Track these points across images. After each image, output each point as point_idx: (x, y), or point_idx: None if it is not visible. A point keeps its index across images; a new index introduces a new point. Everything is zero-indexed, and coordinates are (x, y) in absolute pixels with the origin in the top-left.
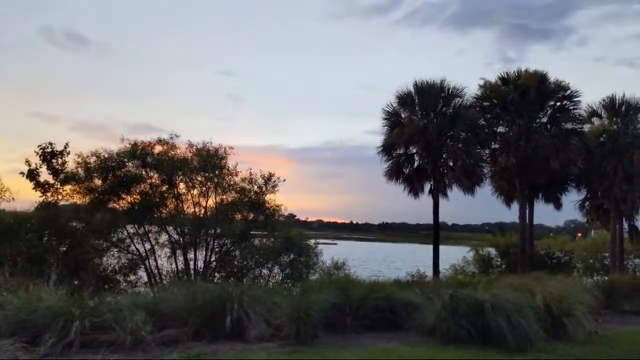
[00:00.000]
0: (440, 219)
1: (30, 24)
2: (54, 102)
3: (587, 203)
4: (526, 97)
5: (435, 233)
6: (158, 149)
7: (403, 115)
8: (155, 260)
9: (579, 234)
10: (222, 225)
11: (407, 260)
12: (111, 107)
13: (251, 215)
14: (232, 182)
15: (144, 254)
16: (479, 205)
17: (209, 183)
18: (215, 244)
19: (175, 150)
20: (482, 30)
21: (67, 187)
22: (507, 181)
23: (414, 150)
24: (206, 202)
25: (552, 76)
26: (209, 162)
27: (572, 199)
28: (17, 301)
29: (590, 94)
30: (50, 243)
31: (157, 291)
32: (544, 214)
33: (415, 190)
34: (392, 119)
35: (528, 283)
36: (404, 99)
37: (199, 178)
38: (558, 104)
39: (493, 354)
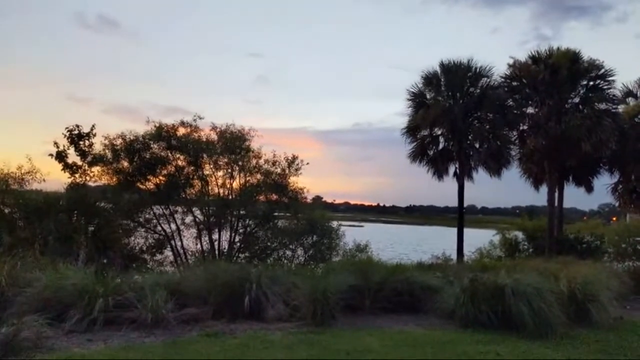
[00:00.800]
0: (469, 202)
1: (63, 9)
2: (86, 85)
3: (620, 186)
4: (557, 77)
5: (459, 216)
6: (182, 131)
7: (428, 96)
8: (181, 240)
9: (614, 218)
10: (246, 207)
11: (434, 243)
12: (142, 89)
13: (274, 197)
14: (255, 164)
15: (170, 234)
16: (510, 188)
17: (234, 165)
18: (240, 225)
19: (199, 133)
20: (517, 7)
21: (95, 169)
22: (535, 164)
23: (439, 132)
24: (231, 184)
25: (588, 54)
26: (232, 144)
27: (604, 182)
28: (45, 279)
29: (630, 73)
30: (79, 223)
31: (182, 271)
32: (577, 198)
33: (439, 172)
34: (416, 99)
35: (553, 267)
36: (430, 79)
37: (224, 160)
38: (591, 83)
39: (512, 339)
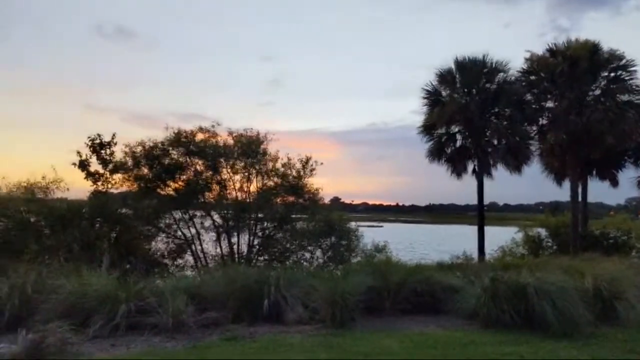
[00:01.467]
0: (491, 199)
1: (83, 21)
2: (106, 94)
3: None
4: (577, 69)
5: (480, 214)
6: (200, 136)
7: (443, 94)
8: (201, 244)
9: None
10: (263, 210)
11: (455, 243)
12: (159, 97)
13: (291, 199)
14: (272, 167)
15: (190, 239)
16: (532, 184)
17: (250, 168)
18: (258, 227)
19: (216, 138)
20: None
21: (116, 176)
22: (557, 158)
23: (456, 130)
24: (248, 187)
25: (608, 45)
26: (249, 149)
27: (630, 175)
28: (69, 285)
29: None
30: (101, 230)
31: (202, 275)
32: (603, 192)
33: (457, 170)
34: (432, 97)
35: (578, 265)
36: (444, 77)
37: (241, 164)
38: (612, 74)
39: (536, 339)
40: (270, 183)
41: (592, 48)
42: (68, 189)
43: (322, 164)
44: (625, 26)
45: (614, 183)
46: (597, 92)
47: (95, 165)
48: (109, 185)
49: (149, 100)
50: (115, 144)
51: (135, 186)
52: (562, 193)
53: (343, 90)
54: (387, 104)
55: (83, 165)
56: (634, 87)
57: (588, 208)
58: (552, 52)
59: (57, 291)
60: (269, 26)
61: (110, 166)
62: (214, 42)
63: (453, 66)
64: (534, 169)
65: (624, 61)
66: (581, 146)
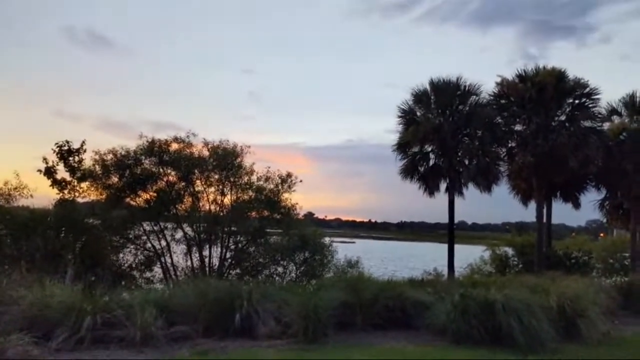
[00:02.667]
0: (460, 218)
1: (52, 23)
2: (77, 101)
3: (607, 202)
4: (544, 95)
5: (450, 232)
6: (174, 146)
7: (418, 113)
8: (171, 257)
9: (602, 234)
10: (237, 223)
11: (425, 260)
12: (133, 105)
13: (266, 213)
14: (248, 181)
15: (159, 251)
16: (499, 205)
17: (225, 181)
18: (231, 241)
19: (191, 148)
20: (504, 27)
21: (84, 184)
22: (524, 180)
23: (429, 149)
24: (222, 200)
25: (574, 73)
26: (224, 161)
27: (591, 198)
28: (31, 296)
29: (614, 91)
30: (67, 239)
31: (172, 288)
32: (565, 214)
33: (430, 188)
34: (407, 116)
35: (543, 283)
36: (420, 97)
37: (215, 176)
38: (577, 101)
39: (504, 354)
40: (245, 196)
41: (559, 75)
42: (32, 196)
43: (301, 181)
44: (590, 56)
45: (577, 205)
46: (562, 117)
47: (62, 173)
48: (76, 194)
49: (122, 108)
50: (85, 151)
51: (104, 195)
52: (527, 214)
53: (320, 107)
54: (363, 121)
55: (49, 172)
56: (596, 114)
57: (552, 229)
58: (522, 77)
59: (19, 302)
60: (249, 40)
61: (79, 174)
62: (193, 53)
63: (428, 87)
64: (501, 189)
65: (588, 89)
66: (546, 169)
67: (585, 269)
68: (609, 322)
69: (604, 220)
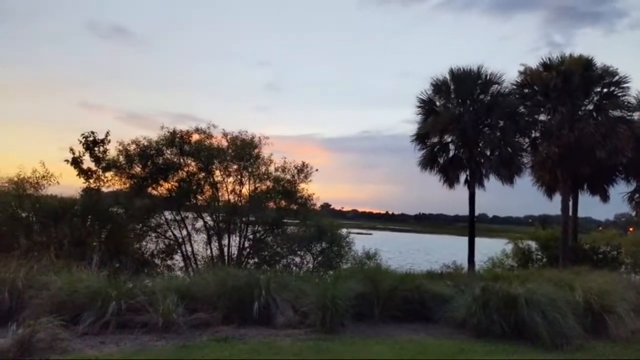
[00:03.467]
0: (481, 211)
1: (77, 17)
2: (99, 92)
3: (637, 195)
4: (570, 83)
5: (470, 224)
6: (195, 137)
7: (438, 103)
8: (191, 245)
9: (631, 229)
10: (255, 213)
11: (444, 252)
12: (153, 97)
13: (284, 204)
14: (265, 171)
15: (180, 240)
16: (522, 197)
17: (244, 171)
18: (249, 230)
19: (211, 139)
20: (527, 14)
21: (109, 174)
22: (548, 172)
23: (449, 139)
24: (240, 190)
25: (601, 61)
26: (243, 151)
27: (620, 190)
28: (59, 281)
29: None
30: (92, 227)
31: (192, 276)
32: (592, 207)
33: (450, 180)
34: (426, 107)
35: (568, 277)
36: (439, 87)
37: (234, 166)
38: (605, 90)
39: (526, 350)
40: (263, 187)
41: (586, 63)
42: (58, 183)
43: (317, 170)
44: (619, 43)
45: (605, 198)
46: (590, 107)
47: (87, 163)
48: (101, 183)
49: (142, 100)
50: (109, 141)
51: (127, 185)
52: (551, 207)
53: (336, 98)
54: (380, 112)
55: (76, 162)
56: (626, 103)
57: (577, 222)
58: (546, 66)
59: (48, 287)
60: (267, 32)
61: (103, 164)
62: (211, 45)
63: (448, 76)
64: (524, 181)
65: (616, 77)
66: (572, 160)
67: (613, 264)
68: (638, 319)
69: (634, 214)
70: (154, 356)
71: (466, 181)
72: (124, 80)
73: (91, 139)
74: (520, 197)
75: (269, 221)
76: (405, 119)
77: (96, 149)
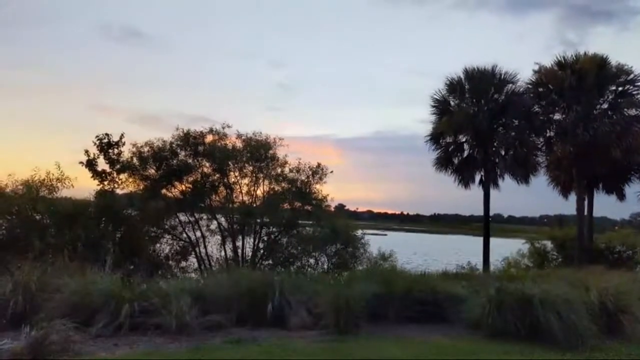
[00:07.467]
0: (496, 211)
1: (90, 20)
2: (113, 94)
3: None
4: (584, 82)
5: (485, 224)
6: (209, 138)
7: (452, 103)
8: (205, 247)
9: None
10: (270, 214)
11: (459, 253)
12: (167, 99)
13: (298, 205)
14: (281, 172)
15: (194, 241)
16: (537, 197)
17: (258, 173)
18: (263, 232)
19: (225, 140)
20: (540, 12)
21: (123, 176)
22: (563, 171)
23: (464, 139)
24: (255, 191)
25: (615, 59)
26: (258, 152)
27: (636, 189)
28: (73, 284)
29: None
30: (107, 229)
31: (206, 277)
32: (608, 206)
33: (465, 180)
34: (440, 106)
35: (583, 277)
36: (453, 86)
37: (249, 167)
38: (620, 88)
39: (541, 350)
40: (278, 188)
41: (600, 62)
42: (72, 186)
43: (332, 171)
44: (633, 41)
45: (621, 197)
46: (605, 105)
47: (102, 165)
48: (115, 185)
49: (156, 101)
50: (124, 143)
51: (141, 186)
52: (567, 206)
53: (350, 98)
54: (394, 111)
55: (90, 164)
56: None
57: (593, 222)
58: (561, 64)
59: (61, 289)
60: (280, 33)
61: (118, 166)
62: (222, 45)
63: (462, 76)
64: (539, 181)
65: (632, 76)
66: (588, 159)
67: (629, 263)
68: None
69: None
70: (167, 358)
71: (481, 181)
72: (137, 82)
73: (105, 141)
74: (535, 197)
75: (283, 222)
76: (419, 119)
77: (110, 150)
